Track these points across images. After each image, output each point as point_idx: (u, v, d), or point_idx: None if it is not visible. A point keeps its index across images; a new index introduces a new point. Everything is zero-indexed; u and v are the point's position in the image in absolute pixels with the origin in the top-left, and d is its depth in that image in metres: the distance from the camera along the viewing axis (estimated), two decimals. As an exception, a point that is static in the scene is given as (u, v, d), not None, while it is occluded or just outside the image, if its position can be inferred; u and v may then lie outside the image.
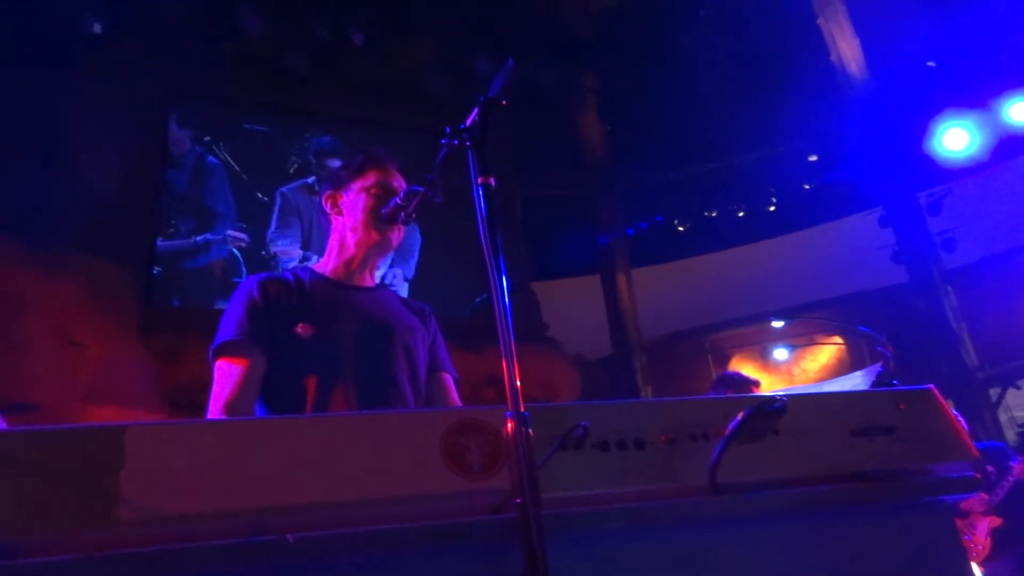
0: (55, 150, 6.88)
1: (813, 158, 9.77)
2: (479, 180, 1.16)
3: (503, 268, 1.10)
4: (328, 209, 2.06)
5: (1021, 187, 8.23)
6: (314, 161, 8.02)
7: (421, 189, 1.66)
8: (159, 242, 7.09)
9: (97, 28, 7.24)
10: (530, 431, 0.99)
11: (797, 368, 9.68)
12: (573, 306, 9.43)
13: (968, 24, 7.91)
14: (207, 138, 7.66)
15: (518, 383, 1.02)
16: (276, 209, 7.63)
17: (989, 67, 8.16)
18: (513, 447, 0.98)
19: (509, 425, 1.00)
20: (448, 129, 1.23)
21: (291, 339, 1.81)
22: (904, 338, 8.56)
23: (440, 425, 1.06)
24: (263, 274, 1.99)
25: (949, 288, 8.25)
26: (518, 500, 0.94)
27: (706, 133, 9.83)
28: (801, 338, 9.65)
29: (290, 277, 1.97)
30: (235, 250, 7.35)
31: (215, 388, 1.77)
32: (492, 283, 1.09)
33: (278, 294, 1.87)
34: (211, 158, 7.59)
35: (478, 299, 8.04)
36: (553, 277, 9.86)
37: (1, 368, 5.79)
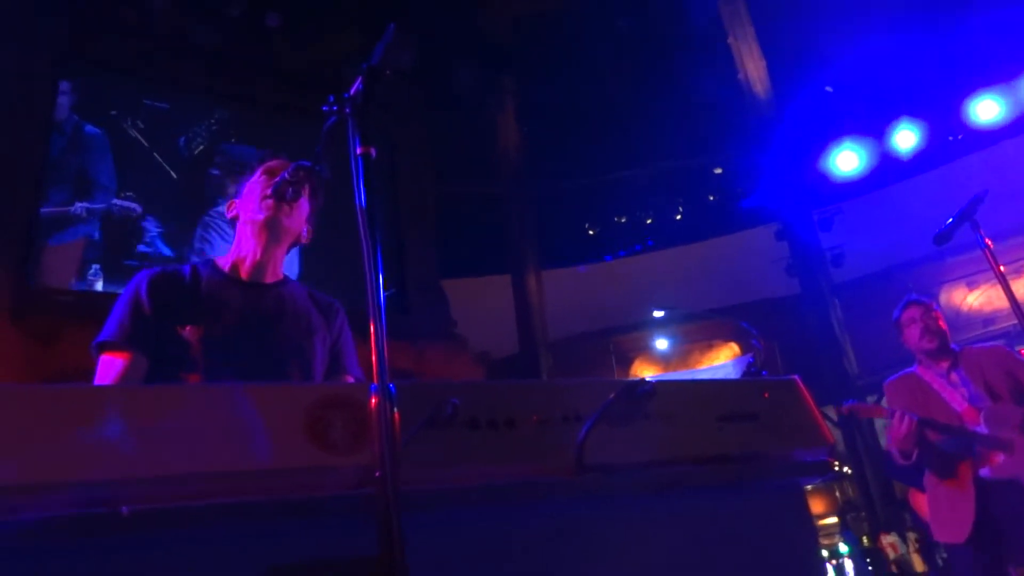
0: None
1: (718, 171, 10.18)
2: (359, 151, 1.12)
3: (379, 241, 1.07)
4: (230, 218, 2.01)
5: (903, 209, 8.82)
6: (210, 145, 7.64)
7: (308, 164, 1.60)
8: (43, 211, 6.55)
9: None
10: (395, 407, 0.97)
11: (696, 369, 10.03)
12: (482, 305, 9.44)
13: (866, 53, 8.41)
14: (113, 112, 7.16)
15: (386, 357, 1.00)
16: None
17: (880, 95, 8.72)
18: (376, 422, 0.96)
19: (373, 400, 0.97)
20: (332, 98, 1.19)
21: (176, 340, 1.74)
22: (795, 345, 9.06)
23: (303, 400, 1.02)
24: (157, 268, 1.89)
25: (836, 301, 8.76)
26: (376, 474, 0.92)
27: (620, 142, 10.06)
28: (700, 342, 10.01)
29: (187, 272, 1.89)
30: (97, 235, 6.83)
31: (95, 383, 1.70)
32: (365, 254, 1.06)
33: (168, 293, 1.80)
34: (89, 127, 7.07)
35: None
36: (464, 275, 9.84)
37: None
